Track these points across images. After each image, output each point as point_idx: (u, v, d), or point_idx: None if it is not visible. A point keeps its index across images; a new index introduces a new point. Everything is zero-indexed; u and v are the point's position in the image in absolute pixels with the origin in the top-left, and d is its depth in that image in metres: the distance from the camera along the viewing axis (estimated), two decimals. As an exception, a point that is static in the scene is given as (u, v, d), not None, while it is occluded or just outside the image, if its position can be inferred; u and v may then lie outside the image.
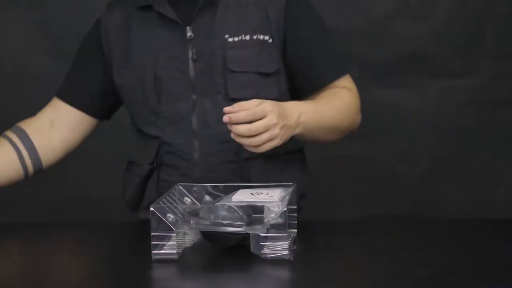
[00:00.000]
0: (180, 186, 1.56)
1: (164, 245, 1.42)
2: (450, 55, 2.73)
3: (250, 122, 1.54)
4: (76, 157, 2.72)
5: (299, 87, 1.79)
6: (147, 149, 1.77)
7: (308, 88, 1.78)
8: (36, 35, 2.67)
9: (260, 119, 1.53)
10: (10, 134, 1.83)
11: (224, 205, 1.45)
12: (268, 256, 1.42)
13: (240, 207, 1.44)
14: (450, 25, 2.72)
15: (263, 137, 1.54)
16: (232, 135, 1.55)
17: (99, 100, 1.86)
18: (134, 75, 1.76)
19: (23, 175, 1.81)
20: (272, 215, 1.42)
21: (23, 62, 2.68)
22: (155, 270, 1.38)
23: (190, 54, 1.73)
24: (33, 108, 2.72)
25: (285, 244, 1.42)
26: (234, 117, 1.53)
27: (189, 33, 1.73)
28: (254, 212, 1.46)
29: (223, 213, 1.44)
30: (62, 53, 2.68)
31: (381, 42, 2.68)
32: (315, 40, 1.79)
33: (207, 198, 1.56)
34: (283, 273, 1.38)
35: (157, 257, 1.41)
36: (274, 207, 1.42)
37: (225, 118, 1.53)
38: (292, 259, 1.41)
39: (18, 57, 2.68)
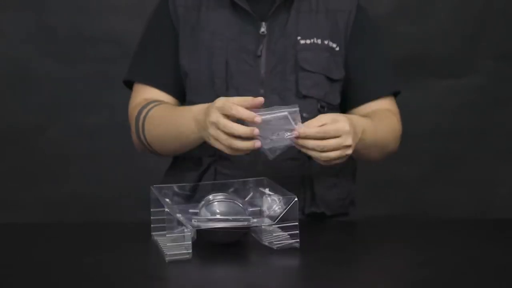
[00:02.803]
0: (155, 189, 1.54)
1: (175, 245, 1.41)
2: (450, 55, 2.73)
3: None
4: (76, 156, 2.73)
5: (348, 96, 1.81)
6: None
7: (355, 100, 1.80)
8: (36, 35, 2.67)
9: (333, 137, 1.52)
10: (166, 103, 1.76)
11: (224, 200, 1.45)
12: (278, 246, 1.44)
13: (237, 202, 1.45)
14: (450, 25, 2.72)
15: (332, 155, 1.53)
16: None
17: (180, 82, 1.79)
18: (203, 57, 1.74)
19: None
20: (279, 207, 1.44)
21: (23, 62, 2.68)
22: (168, 270, 1.38)
23: (262, 49, 1.73)
24: (33, 108, 2.74)
25: (292, 233, 1.43)
26: (303, 131, 1.50)
27: (262, 29, 1.74)
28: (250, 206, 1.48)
29: (224, 208, 1.44)
30: (62, 53, 2.69)
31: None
32: (373, 56, 1.81)
33: (176, 198, 1.56)
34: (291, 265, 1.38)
35: (170, 258, 1.39)
36: (275, 199, 1.46)
37: (294, 133, 1.50)
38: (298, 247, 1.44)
39: (18, 57, 2.68)
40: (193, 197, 1.57)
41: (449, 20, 2.72)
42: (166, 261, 1.39)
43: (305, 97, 1.73)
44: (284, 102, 1.71)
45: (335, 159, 1.53)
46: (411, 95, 2.69)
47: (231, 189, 1.56)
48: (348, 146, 1.53)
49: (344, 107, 1.82)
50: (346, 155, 1.54)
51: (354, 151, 1.60)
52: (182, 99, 1.82)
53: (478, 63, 2.74)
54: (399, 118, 1.82)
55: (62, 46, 2.68)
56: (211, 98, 1.71)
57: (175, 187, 1.56)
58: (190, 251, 1.40)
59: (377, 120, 1.72)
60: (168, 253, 1.40)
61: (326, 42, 1.76)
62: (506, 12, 2.72)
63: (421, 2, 2.72)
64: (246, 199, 1.53)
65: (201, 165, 1.75)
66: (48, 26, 2.67)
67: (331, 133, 1.51)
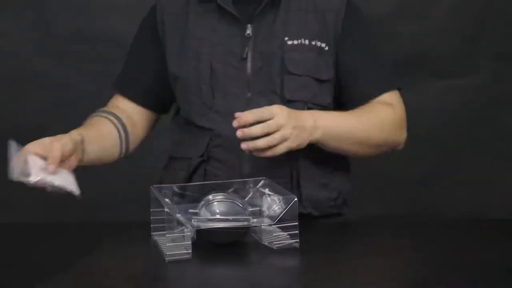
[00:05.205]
0: (154, 189, 1.54)
1: (175, 245, 1.41)
2: (450, 55, 2.73)
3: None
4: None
5: (346, 98, 1.79)
6: (197, 141, 1.76)
7: (353, 100, 1.77)
8: (36, 35, 2.67)
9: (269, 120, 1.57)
10: (108, 115, 1.80)
11: (224, 200, 1.45)
12: (278, 246, 1.44)
13: (237, 201, 1.45)
14: (450, 25, 2.72)
15: (276, 136, 1.56)
16: (243, 145, 1.57)
17: (157, 93, 1.84)
18: (190, 65, 1.76)
19: (116, 158, 1.82)
20: (278, 207, 1.44)
21: (23, 62, 2.68)
22: (168, 270, 1.38)
23: (247, 52, 1.73)
24: (33, 108, 2.74)
25: (292, 233, 1.44)
26: (244, 117, 1.56)
27: (248, 31, 1.73)
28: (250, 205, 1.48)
29: (224, 208, 1.44)
30: (62, 53, 2.69)
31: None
32: (366, 54, 1.79)
33: (176, 198, 1.56)
34: (292, 265, 1.38)
35: (170, 258, 1.39)
36: (275, 200, 1.46)
37: (235, 123, 1.56)
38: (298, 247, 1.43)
39: (18, 57, 2.68)
40: (191, 196, 1.56)
41: (449, 20, 2.72)
42: (166, 261, 1.39)
43: (290, 101, 1.72)
44: (271, 104, 1.71)
45: (279, 141, 1.57)
46: (411, 95, 2.69)
47: (231, 189, 1.56)
48: (284, 125, 1.56)
49: (349, 107, 1.79)
50: (288, 134, 1.57)
51: (321, 141, 1.65)
52: (159, 108, 1.87)
53: (478, 63, 2.74)
54: (400, 108, 1.77)
55: (62, 46, 2.68)
56: (198, 105, 1.73)
57: (175, 187, 1.56)
58: (190, 251, 1.40)
59: (348, 113, 1.72)
60: (168, 253, 1.40)
61: (314, 42, 1.74)
62: (506, 12, 2.72)
63: (421, 2, 2.72)
64: (246, 199, 1.53)
65: (191, 165, 1.76)
66: (48, 26, 2.67)
67: (265, 116, 1.57)
